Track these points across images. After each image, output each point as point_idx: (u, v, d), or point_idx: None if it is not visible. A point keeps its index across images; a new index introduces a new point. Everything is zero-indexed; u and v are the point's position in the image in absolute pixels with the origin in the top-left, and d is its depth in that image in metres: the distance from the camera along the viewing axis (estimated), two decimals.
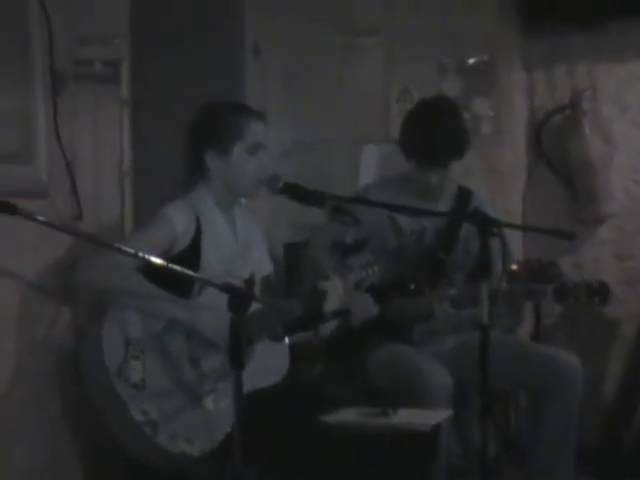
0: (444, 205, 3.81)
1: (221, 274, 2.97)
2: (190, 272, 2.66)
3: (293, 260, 3.98)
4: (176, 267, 2.58)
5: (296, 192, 3.18)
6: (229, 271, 3.06)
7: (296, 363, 3.30)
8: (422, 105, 3.83)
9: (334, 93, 4.70)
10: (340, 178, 4.65)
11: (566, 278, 4.12)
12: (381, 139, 4.75)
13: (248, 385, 2.60)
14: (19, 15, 3.06)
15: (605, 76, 4.76)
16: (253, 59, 4.40)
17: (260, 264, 3.33)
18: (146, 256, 2.57)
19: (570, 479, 3.65)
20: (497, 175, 4.75)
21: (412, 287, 3.71)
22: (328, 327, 3.56)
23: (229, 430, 2.87)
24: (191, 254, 3.08)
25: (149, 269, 2.92)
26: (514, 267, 4.00)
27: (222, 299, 2.49)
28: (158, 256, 2.69)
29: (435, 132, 3.63)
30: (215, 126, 3.19)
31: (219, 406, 3.01)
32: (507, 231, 3.13)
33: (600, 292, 3.66)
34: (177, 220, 3.09)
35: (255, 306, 2.80)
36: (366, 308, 3.51)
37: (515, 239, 4.44)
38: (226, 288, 2.49)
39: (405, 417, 3.16)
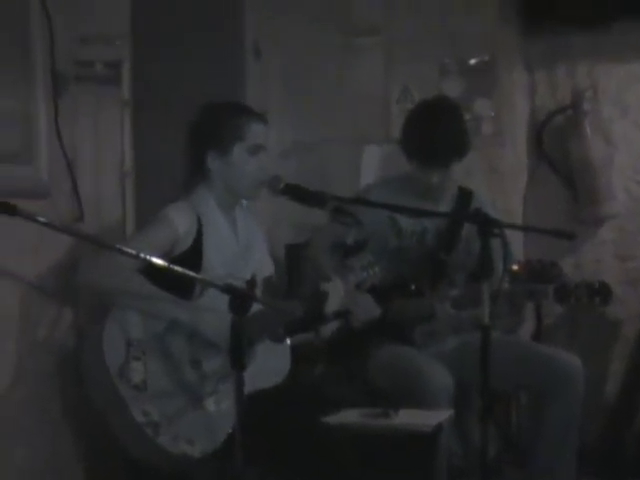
0: (445, 206, 3.81)
1: (222, 275, 2.97)
2: (191, 273, 2.65)
3: (294, 261, 3.98)
4: (177, 268, 2.57)
5: (297, 193, 3.18)
6: (230, 272, 3.06)
7: (297, 364, 3.30)
8: (423, 106, 3.83)
9: (334, 93, 4.70)
10: (340, 178, 4.65)
11: (567, 278, 4.12)
12: (381, 139, 4.74)
13: (249, 386, 2.61)
14: (20, 15, 3.06)
15: (606, 76, 4.75)
16: (253, 59, 4.40)
17: (261, 265, 3.33)
18: (147, 257, 2.57)
19: (571, 479, 3.66)
20: (498, 175, 4.75)
21: (413, 288, 3.71)
22: (329, 328, 3.57)
23: (230, 431, 2.87)
24: (192, 255, 3.08)
25: (150, 270, 2.91)
26: (515, 267, 4.01)
27: (223, 300, 2.49)
28: (159, 257, 2.68)
29: (436, 133, 3.63)
30: (215, 127, 3.18)
31: (220, 407, 3.01)
32: (508, 231, 3.13)
33: (601, 292, 3.66)
34: (178, 221, 3.08)
35: (256, 307, 2.80)
36: (368, 309, 3.51)
37: (516, 239, 4.43)
38: (227, 289, 2.48)
39: (406, 418, 3.16)
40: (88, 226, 3.28)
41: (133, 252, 2.57)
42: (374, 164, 4.75)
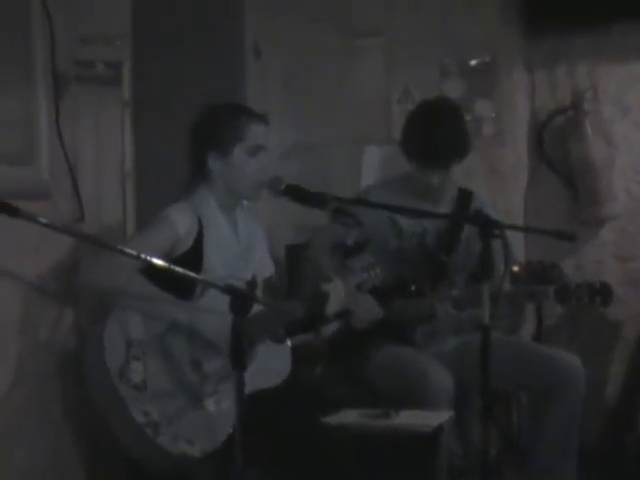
0: (445, 206, 3.81)
1: (223, 276, 2.97)
2: (192, 274, 2.65)
3: (294, 262, 3.98)
4: (178, 269, 2.57)
5: (298, 194, 3.18)
6: (231, 273, 3.06)
7: (298, 364, 3.30)
8: (424, 106, 3.83)
9: (335, 94, 4.70)
10: (341, 179, 4.65)
11: (568, 279, 4.13)
12: (382, 140, 4.74)
13: (250, 386, 2.61)
14: (20, 15, 3.06)
15: (606, 77, 4.75)
16: (253, 59, 4.40)
17: (262, 266, 3.33)
18: (148, 258, 2.57)
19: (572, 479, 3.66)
20: (498, 176, 4.75)
21: (413, 288, 3.71)
22: (329, 328, 3.57)
23: (230, 431, 2.87)
24: (193, 256, 3.08)
25: (151, 271, 2.91)
26: (516, 268, 4.01)
27: (224, 301, 2.48)
28: (160, 258, 2.68)
29: (437, 133, 3.63)
30: (216, 128, 3.19)
31: (220, 407, 3.01)
32: (509, 232, 3.13)
33: (602, 293, 3.66)
34: (179, 222, 3.09)
35: (257, 308, 2.80)
36: (370, 309, 3.51)
37: (517, 240, 4.43)
38: (228, 290, 2.48)
39: (407, 418, 3.16)
40: (89, 227, 3.28)
41: (134, 253, 2.56)
42: (375, 165, 4.75)
